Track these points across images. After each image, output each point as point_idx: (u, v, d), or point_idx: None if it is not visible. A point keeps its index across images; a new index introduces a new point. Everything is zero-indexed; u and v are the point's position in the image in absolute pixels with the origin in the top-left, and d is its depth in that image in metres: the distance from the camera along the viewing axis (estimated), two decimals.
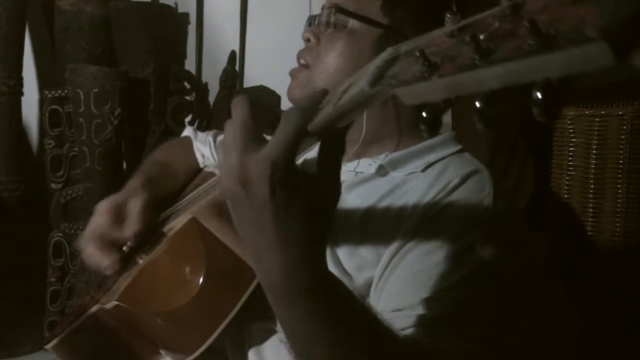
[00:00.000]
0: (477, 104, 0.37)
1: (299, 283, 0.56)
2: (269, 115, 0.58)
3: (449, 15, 0.41)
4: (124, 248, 1.10)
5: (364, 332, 0.60)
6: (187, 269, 0.86)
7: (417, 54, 0.41)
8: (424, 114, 0.43)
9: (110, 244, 0.99)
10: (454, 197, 0.81)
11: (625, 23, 0.30)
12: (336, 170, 0.59)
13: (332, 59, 0.92)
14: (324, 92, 0.58)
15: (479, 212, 0.80)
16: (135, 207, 1.01)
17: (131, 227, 0.99)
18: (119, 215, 1.00)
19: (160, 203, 1.10)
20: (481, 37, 0.36)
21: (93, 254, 0.99)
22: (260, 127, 0.56)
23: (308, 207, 0.55)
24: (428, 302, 0.71)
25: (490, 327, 0.69)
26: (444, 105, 0.42)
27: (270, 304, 0.61)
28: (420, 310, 0.70)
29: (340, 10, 0.92)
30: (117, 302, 0.88)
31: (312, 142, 0.58)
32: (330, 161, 0.59)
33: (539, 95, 0.34)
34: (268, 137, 0.56)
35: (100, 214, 1.00)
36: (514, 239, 0.82)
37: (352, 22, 0.92)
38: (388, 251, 0.80)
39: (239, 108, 0.57)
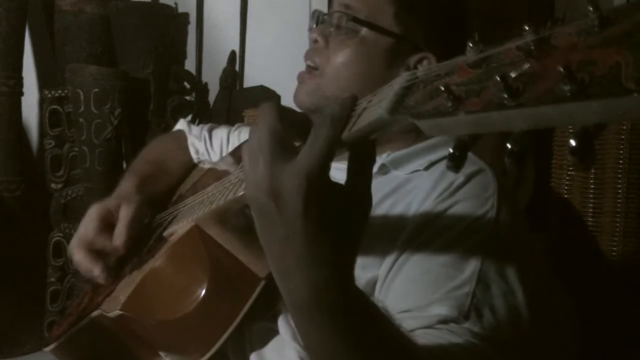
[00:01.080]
0: (509, 145, 0.36)
1: (330, 301, 0.53)
2: (299, 121, 0.54)
3: (470, 45, 0.40)
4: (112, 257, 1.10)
5: (392, 350, 0.58)
6: (190, 277, 0.85)
7: (441, 86, 0.39)
8: (451, 151, 0.41)
9: (98, 252, 0.98)
10: (459, 196, 0.81)
11: None
12: (368, 182, 0.55)
13: (342, 67, 0.92)
14: (354, 99, 0.54)
15: (484, 211, 0.80)
16: (125, 215, 0.99)
17: (118, 237, 0.97)
18: (108, 222, 0.99)
19: (155, 202, 1.10)
20: (511, 74, 0.35)
21: (81, 261, 0.98)
22: (291, 135, 0.53)
23: (341, 223, 0.52)
24: (436, 302, 0.71)
25: (498, 326, 0.69)
26: (469, 141, 0.41)
27: (293, 320, 0.58)
28: (428, 312, 0.70)
29: (353, 18, 0.91)
30: (121, 312, 0.88)
31: (341, 152, 0.54)
32: (362, 173, 0.55)
33: (573, 143, 0.33)
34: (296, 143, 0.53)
35: (90, 220, 0.99)
36: (518, 238, 0.82)
37: (364, 30, 0.91)
38: (393, 251, 0.80)
39: (267, 113, 0.53)
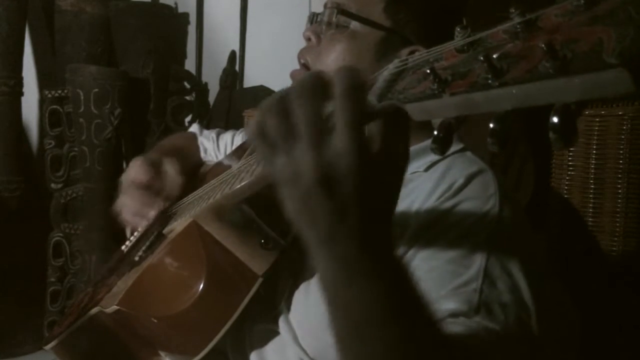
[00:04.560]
0: (491, 125, 0.36)
1: (376, 262, 0.53)
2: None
3: (458, 29, 0.39)
4: (123, 247, 1.10)
5: (432, 327, 0.58)
6: (188, 273, 0.85)
7: (427, 69, 0.39)
8: (435, 133, 0.41)
9: (152, 194, 1.02)
10: (460, 197, 0.81)
11: None
12: (406, 140, 0.53)
13: (332, 61, 0.92)
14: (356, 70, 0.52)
15: (486, 210, 0.80)
16: (172, 167, 1.03)
17: (173, 182, 1.02)
18: (156, 171, 1.03)
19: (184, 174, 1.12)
20: (494, 55, 0.35)
21: (136, 199, 1.01)
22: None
23: (387, 193, 0.53)
24: (444, 298, 0.71)
25: (508, 320, 0.70)
26: (455, 123, 0.41)
27: (329, 294, 0.56)
28: (437, 307, 0.70)
29: (342, 11, 0.91)
30: (118, 307, 0.88)
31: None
32: (398, 133, 0.52)
33: (555, 120, 0.32)
34: None
35: (140, 165, 1.03)
36: (520, 236, 0.82)
37: (354, 24, 0.91)
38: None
39: (301, 97, 0.51)
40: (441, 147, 0.41)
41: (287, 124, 0.51)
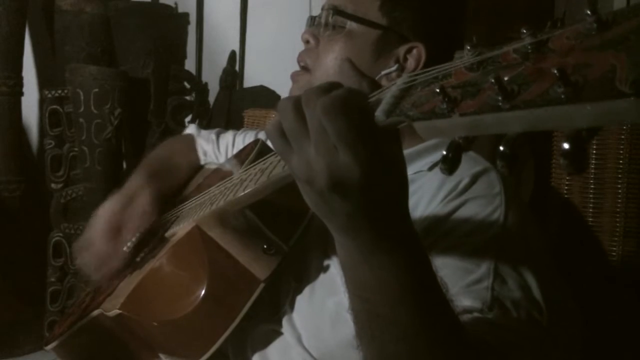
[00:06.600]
0: (501, 148, 0.36)
1: (391, 247, 0.55)
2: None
3: (468, 47, 0.39)
4: (125, 248, 1.10)
5: (449, 316, 0.60)
6: (190, 277, 0.85)
7: (437, 88, 0.39)
8: (444, 152, 0.41)
9: (104, 258, 1.00)
10: (466, 196, 0.82)
11: None
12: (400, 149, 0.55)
13: (330, 61, 0.92)
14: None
15: (493, 208, 0.80)
16: (144, 198, 1.02)
17: (126, 244, 0.99)
18: (117, 227, 1.01)
19: (163, 198, 1.10)
20: (505, 77, 0.34)
21: (86, 265, 1.00)
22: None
23: (396, 192, 0.55)
24: (457, 296, 0.71)
25: (520, 317, 0.70)
26: (464, 143, 0.40)
27: (349, 276, 0.59)
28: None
29: (338, 12, 0.92)
30: (120, 311, 0.88)
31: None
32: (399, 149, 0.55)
33: (566, 146, 0.32)
34: None
35: (98, 227, 1.01)
36: (527, 234, 0.82)
37: (351, 24, 0.92)
38: None
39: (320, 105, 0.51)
40: (450, 167, 0.41)
41: (301, 127, 0.52)
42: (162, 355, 0.91)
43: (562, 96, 0.31)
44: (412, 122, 0.42)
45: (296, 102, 0.53)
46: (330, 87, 0.52)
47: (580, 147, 0.32)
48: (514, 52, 0.35)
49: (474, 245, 0.76)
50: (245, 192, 0.79)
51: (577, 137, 0.32)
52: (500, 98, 0.34)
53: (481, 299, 0.70)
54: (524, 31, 0.34)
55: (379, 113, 0.46)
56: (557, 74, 0.30)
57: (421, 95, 0.42)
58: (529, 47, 0.34)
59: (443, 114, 0.38)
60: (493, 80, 0.34)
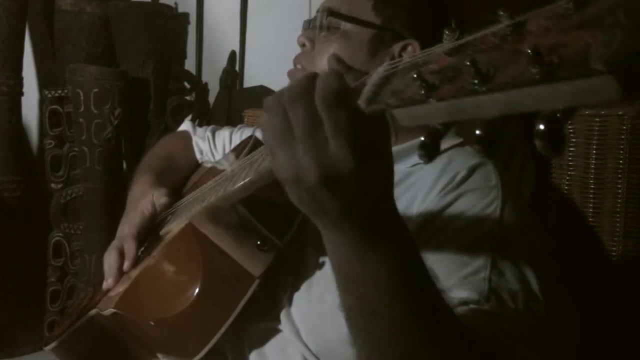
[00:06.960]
0: (477, 132, 0.35)
1: (382, 242, 0.55)
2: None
3: (447, 32, 0.39)
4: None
5: (445, 311, 0.60)
6: (185, 275, 0.85)
7: (415, 74, 0.38)
8: (422, 139, 0.41)
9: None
10: (463, 189, 0.82)
11: (633, 55, 0.27)
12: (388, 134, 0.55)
13: (326, 63, 0.92)
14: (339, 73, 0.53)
15: (489, 200, 0.81)
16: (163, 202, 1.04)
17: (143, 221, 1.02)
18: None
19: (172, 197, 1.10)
20: (482, 60, 0.34)
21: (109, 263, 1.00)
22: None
23: (384, 183, 0.55)
24: (454, 287, 0.71)
25: (518, 309, 0.70)
26: (442, 129, 0.40)
27: (340, 274, 0.59)
28: (448, 295, 0.70)
29: (332, 13, 0.93)
30: (115, 310, 0.88)
31: None
32: (387, 140, 0.55)
33: (542, 127, 0.32)
34: None
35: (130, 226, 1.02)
36: (525, 226, 0.82)
37: (345, 25, 0.92)
38: None
39: (298, 101, 0.51)
40: (428, 153, 0.41)
41: (286, 125, 0.52)
42: (159, 355, 0.90)
43: (537, 76, 0.30)
44: (392, 109, 0.41)
45: (277, 99, 0.52)
46: (310, 81, 0.51)
47: (556, 128, 0.31)
48: (493, 36, 0.35)
49: (471, 238, 0.77)
50: (235, 187, 0.79)
51: (553, 117, 0.31)
52: (476, 81, 0.33)
53: (478, 291, 0.70)
54: (501, 13, 0.33)
55: (361, 102, 0.46)
56: (531, 54, 0.30)
57: (401, 82, 0.42)
58: (507, 29, 0.33)
59: (421, 100, 0.38)
60: (469, 64, 0.33)
